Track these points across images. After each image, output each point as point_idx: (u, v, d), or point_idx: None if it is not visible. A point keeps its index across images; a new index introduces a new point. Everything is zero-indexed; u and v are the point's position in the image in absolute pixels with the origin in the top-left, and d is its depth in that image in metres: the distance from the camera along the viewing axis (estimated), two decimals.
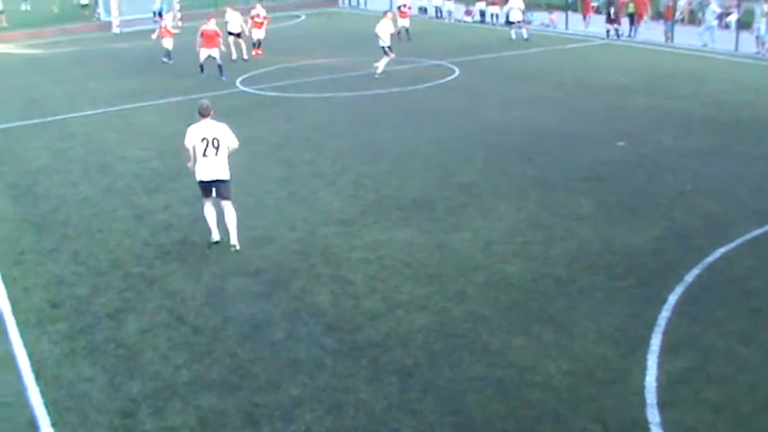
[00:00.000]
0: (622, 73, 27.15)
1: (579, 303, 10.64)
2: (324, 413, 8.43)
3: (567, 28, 39.48)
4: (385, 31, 27.78)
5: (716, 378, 8.79)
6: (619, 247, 12.43)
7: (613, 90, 24.47)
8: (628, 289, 11.01)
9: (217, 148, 12.51)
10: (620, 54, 32.03)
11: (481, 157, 17.54)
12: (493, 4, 42.74)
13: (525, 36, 35.47)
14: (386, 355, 9.51)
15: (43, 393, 9.04)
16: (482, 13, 43.82)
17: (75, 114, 24.26)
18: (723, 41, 32.27)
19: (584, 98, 23.50)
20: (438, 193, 15.30)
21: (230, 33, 32.37)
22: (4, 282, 12.19)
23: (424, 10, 47.43)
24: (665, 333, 9.73)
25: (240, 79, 28.29)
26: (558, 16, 40.83)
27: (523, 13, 36.65)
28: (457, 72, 28.13)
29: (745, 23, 33.61)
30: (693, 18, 38.71)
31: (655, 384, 8.66)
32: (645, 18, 36.99)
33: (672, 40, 34.36)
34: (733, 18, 35.55)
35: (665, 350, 9.34)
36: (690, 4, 39.88)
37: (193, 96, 23.82)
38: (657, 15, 37.75)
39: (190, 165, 12.90)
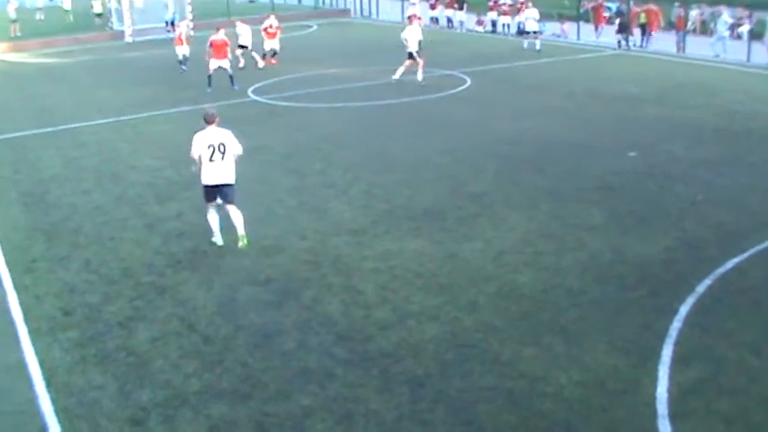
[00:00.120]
0: (634, 83, 27.12)
1: (590, 314, 10.62)
2: (334, 423, 8.42)
3: (578, 38, 39.46)
4: (413, 36, 27.91)
5: (727, 389, 8.75)
6: (630, 257, 12.40)
7: (625, 100, 24.43)
8: (639, 300, 10.98)
9: (223, 154, 12.84)
10: (632, 64, 32.00)
11: (492, 167, 17.53)
12: (504, 14, 42.83)
13: (537, 47, 35.47)
14: (397, 366, 9.50)
15: (54, 401, 9.07)
16: (493, 23, 43.87)
17: (87, 123, 24.35)
18: (735, 52, 32.21)
19: (595, 108, 23.48)
20: (449, 203, 15.29)
21: (241, 46, 32.51)
22: (16, 289, 12.25)
23: (435, 20, 47.47)
24: (677, 344, 9.70)
25: (252, 88, 28.36)
26: (569, 26, 40.83)
27: (538, 22, 36.65)
28: (468, 82, 28.14)
29: (756, 34, 33.57)
30: (705, 28, 38.66)
31: (666, 395, 8.63)
32: (657, 29, 36.94)
33: (683, 51, 34.32)
34: (745, 29, 35.48)
35: (677, 361, 9.31)
36: (702, 14, 39.83)
37: (205, 106, 23.79)
38: (669, 26, 37.71)
39: (194, 169, 13.25)
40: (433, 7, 48.00)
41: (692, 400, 8.56)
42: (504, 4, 43.15)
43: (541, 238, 13.31)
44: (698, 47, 34.11)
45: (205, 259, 13.04)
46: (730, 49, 32.53)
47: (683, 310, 10.55)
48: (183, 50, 33.18)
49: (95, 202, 16.42)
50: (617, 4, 40.19)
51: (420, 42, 28.13)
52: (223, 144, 12.81)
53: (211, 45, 28.00)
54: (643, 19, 36.08)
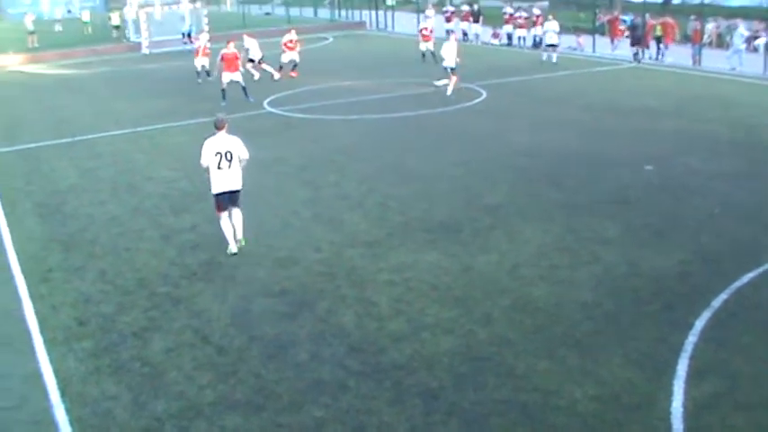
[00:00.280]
0: (650, 96, 27.05)
1: (605, 327, 10.58)
2: None
3: (594, 51, 39.43)
4: (450, 53, 28.01)
5: (743, 404, 8.69)
6: (645, 270, 12.35)
7: (641, 113, 24.37)
8: (654, 313, 10.93)
9: (230, 161, 13.29)
10: (648, 77, 31.95)
11: (508, 180, 17.52)
12: (520, 27, 42.84)
13: (554, 60, 35.46)
14: (410, 378, 9.49)
15: (69, 411, 9.11)
16: (509, 36, 43.88)
17: (103, 134, 24.51)
18: (751, 65, 32.12)
19: (611, 121, 23.43)
20: (465, 215, 15.28)
21: (251, 60, 32.61)
22: (32, 299, 12.32)
23: (450, 33, 47.48)
24: (692, 358, 9.65)
25: (268, 100, 28.46)
26: (585, 39, 40.79)
27: (558, 35, 36.66)
28: (484, 95, 28.15)
29: None
30: (721, 41, 38.63)
31: (681, 410, 8.58)
32: (672, 41, 36.86)
33: (699, 64, 34.22)
34: (761, 41, 35.42)
35: (692, 375, 9.26)
36: (718, 27, 39.79)
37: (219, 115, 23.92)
38: (685, 39, 37.64)
39: (207, 175, 13.63)
40: (448, 20, 48.01)
41: (708, 415, 8.51)
42: (520, 17, 43.19)
43: (556, 251, 13.28)
44: (714, 60, 34.04)
45: (220, 270, 13.08)
46: (747, 61, 32.43)
47: (699, 324, 10.50)
48: (202, 62, 33.55)
49: (111, 212, 16.50)
50: (631, 17, 40.13)
51: (457, 58, 28.24)
52: (230, 152, 13.26)
53: (222, 59, 28.14)
54: (659, 32, 36.02)
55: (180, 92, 31.87)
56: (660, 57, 35.88)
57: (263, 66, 33.03)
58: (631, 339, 10.19)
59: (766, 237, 13.66)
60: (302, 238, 14.42)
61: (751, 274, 12.03)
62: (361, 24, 57.78)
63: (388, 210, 15.79)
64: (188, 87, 32.63)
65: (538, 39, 40.96)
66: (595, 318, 10.86)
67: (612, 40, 40.00)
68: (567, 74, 33.21)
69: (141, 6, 48.83)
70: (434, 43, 37.39)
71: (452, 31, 38.76)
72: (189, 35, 46.83)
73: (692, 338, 10.11)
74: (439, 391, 9.18)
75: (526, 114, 24.92)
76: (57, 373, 9.99)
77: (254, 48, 33.06)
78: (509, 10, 44.66)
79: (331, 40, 50.50)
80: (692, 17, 36.51)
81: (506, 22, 44.09)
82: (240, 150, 13.36)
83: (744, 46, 33.31)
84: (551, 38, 36.32)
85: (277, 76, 33.07)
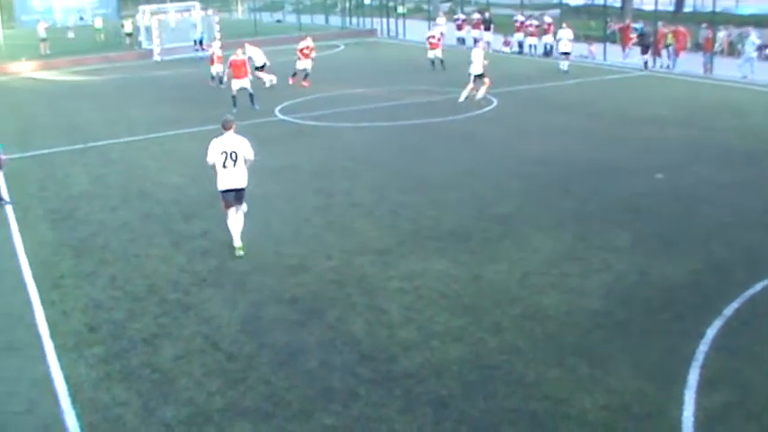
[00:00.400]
0: (661, 104, 27.00)
1: (615, 336, 10.55)
2: None
3: (605, 59, 39.39)
4: (477, 59, 28.21)
5: (755, 414, 8.65)
6: (656, 279, 12.32)
7: (651, 121, 24.33)
8: (665, 322, 10.90)
9: (234, 161, 13.67)
10: (659, 85, 31.91)
11: (518, 188, 17.51)
12: (531, 35, 42.84)
13: (565, 68, 35.46)
14: (420, 386, 9.48)
15: (79, 417, 9.13)
16: (520, 45, 43.89)
17: (115, 141, 24.58)
18: (763, 73, 32.01)
19: (622, 129, 23.39)
20: (475, 223, 15.27)
21: (257, 68, 32.58)
22: (43, 304, 12.34)
23: (462, 41, 47.57)
24: (703, 368, 9.61)
25: (279, 108, 28.52)
26: (596, 47, 40.77)
27: (572, 43, 36.67)
28: (495, 103, 28.14)
29: None
30: (733, 50, 38.55)
31: (692, 420, 8.55)
32: (684, 50, 36.78)
33: (711, 72, 34.15)
34: None
35: (703, 385, 9.22)
36: (729, 35, 39.69)
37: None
38: (696, 47, 37.57)
39: (213, 173, 14.03)
40: (459, 28, 48.12)
41: (719, 425, 8.48)
42: (531, 25, 43.18)
43: (567, 260, 13.26)
44: (725, 68, 33.96)
45: (230, 277, 13.10)
46: (758, 70, 32.34)
47: (710, 333, 10.46)
48: (216, 69, 33.88)
49: (122, 218, 16.55)
50: (641, 25, 40.10)
51: (485, 66, 28.31)
52: (235, 152, 13.63)
53: (231, 65, 28.24)
54: (670, 40, 35.96)
55: (191, 99, 31.96)
56: (672, 65, 35.79)
57: (259, 73, 32.58)
58: (642, 348, 10.16)
59: None
60: (314, 245, 14.43)
61: (763, 283, 11.98)
62: (372, 32, 57.81)
63: (399, 217, 15.79)
64: (199, 94, 32.71)
65: (549, 47, 40.97)
66: (606, 326, 10.83)
67: (624, 49, 39.95)
68: (578, 82, 33.19)
69: (154, 13, 48.99)
70: (443, 50, 37.49)
71: (479, 39, 38.91)
72: (201, 42, 46.99)
73: (703, 348, 10.08)
74: (449, 399, 9.17)
75: (537, 122, 24.91)
76: (67, 378, 10.01)
77: (257, 55, 32.99)
78: (520, 18, 44.64)
79: (342, 47, 50.57)
80: (704, 25, 36.46)
81: (517, 30, 44.08)
82: (246, 151, 13.72)
83: (755, 54, 33.22)
84: (565, 45, 36.33)
85: (268, 84, 32.77)
